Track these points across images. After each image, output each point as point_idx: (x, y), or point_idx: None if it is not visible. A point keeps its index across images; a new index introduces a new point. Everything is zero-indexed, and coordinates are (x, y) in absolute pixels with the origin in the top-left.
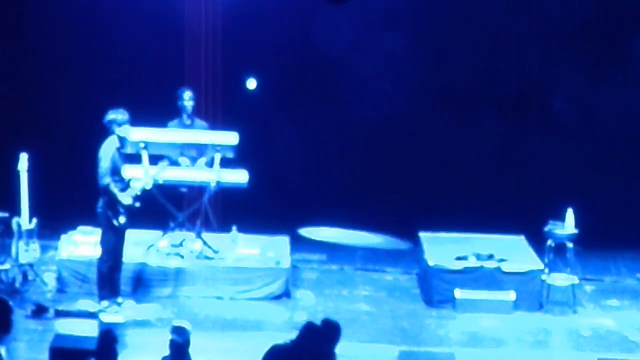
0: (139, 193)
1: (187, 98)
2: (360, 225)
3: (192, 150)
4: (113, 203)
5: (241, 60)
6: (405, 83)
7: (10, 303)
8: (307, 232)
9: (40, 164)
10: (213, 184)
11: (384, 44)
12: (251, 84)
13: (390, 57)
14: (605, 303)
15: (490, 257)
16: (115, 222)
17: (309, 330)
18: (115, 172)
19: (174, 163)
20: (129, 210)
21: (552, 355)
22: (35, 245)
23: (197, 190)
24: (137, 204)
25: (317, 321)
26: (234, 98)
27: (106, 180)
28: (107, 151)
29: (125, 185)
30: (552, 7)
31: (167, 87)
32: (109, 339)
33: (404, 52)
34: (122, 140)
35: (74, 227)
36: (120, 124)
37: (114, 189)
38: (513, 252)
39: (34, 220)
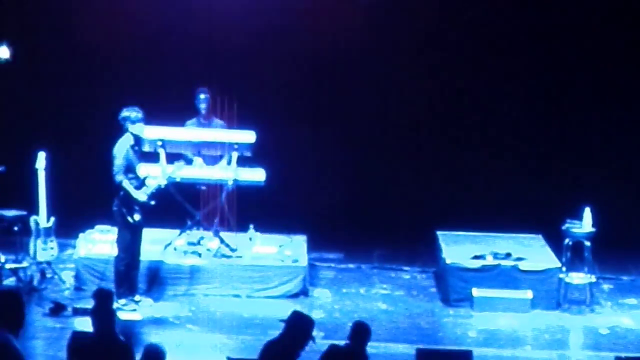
0: (154, 191)
1: (203, 98)
2: (379, 225)
3: (210, 149)
4: (128, 201)
5: (258, 59)
6: (423, 82)
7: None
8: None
9: (58, 162)
10: (230, 183)
11: (401, 43)
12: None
13: (406, 56)
14: (623, 302)
15: (508, 255)
16: (130, 220)
17: (295, 321)
18: (129, 169)
19: (191, 162)
20: (144, 208)
21: (570, 354)
22: (53, 244)
23: (215, 188)
24: (153, 202)
25: (334, 319)
26: (251, 96)
27: (120, 177)
28: (121, 149)
29: (140, 183)
30: (571, 6)
31: (185, 86)
32: (103, 296)
33: (421, 51)
34: (137, 138)
35: (91, 226)
36: (133, 122)
37: (128, 186)
38: (530, 250)
39: (52, 218)
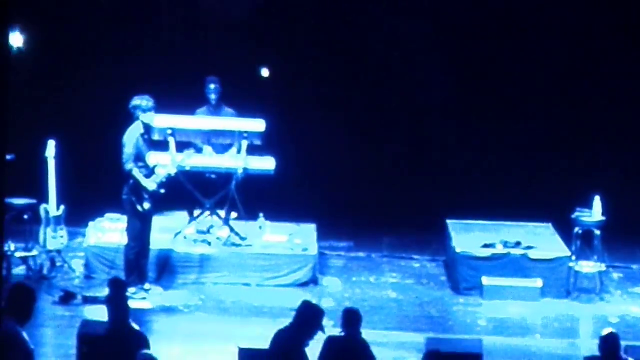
0: (163, 180)
1: (212, 89)
2: (388, 214)
3: (220, 138)
4: (137, 189)
5: (270, 47)
6: (435, 71)
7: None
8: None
9: (68, 151)
10: (240, 171)
11: (416, 31)
12: (265, 72)
13: (417, 45)
14: (632, 290)
15: (518, 244)
16: (139, 208)
17: (305, 311)
18: (139, 158)
19: (201, 151)
20: (154, 196)
21: (579, 343)
22: (63, 232)
23: (225, 177)
24: (162, 191)
25: (344, 307)
26: (261, 85)
27: (130, 165)
28: (131, 137)
29: (150, 172)
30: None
31: (195, 74)
32: (119, 285)
33: (431, 39)
34: (147, 127)
35: (101, 214)
36: (144, 111)
37: (138, 174)
38: (540, 239)
39: (62, 207)
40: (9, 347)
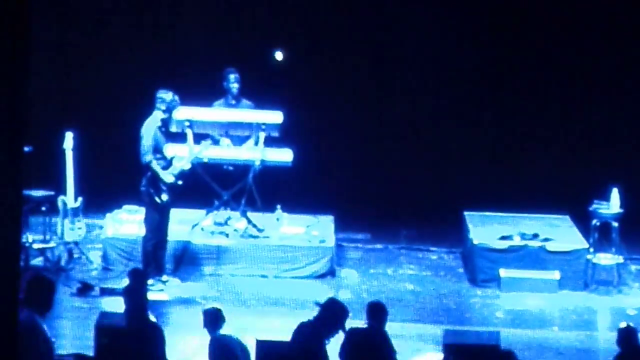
0: (181, 171)
1: (233, 79)
2: (406, 205)
3: (237, 129)
4: (155, 181)
5: (286, 39)
6: (455, 63)
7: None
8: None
9: (86, 142)
10: (258, 163)
11: (437, 21)
12: (279, 55)
13: (439, 37)
14: None
15: (535, 236)
16: (157, 200)
17: (330, 307)
18: (157, 150)
19: (217, 142)
20: (172, 188)
21: (597, 335)
22: (80, 224)
23: (242, 169)
24: (180, 182)
25: (361, 299)
26: (279, 76)
27: (148, 157)
28: (149, 129)
29: (167, 164)
30: None
31: (213, 66)
32: (138, 276)
33: (453, 32)
34: (165, 119)
35: (119, 206)
36: (169, 109)
37: (156, 166)
38: (558, 231)
39: (80, 198)
40: (27, 337)
